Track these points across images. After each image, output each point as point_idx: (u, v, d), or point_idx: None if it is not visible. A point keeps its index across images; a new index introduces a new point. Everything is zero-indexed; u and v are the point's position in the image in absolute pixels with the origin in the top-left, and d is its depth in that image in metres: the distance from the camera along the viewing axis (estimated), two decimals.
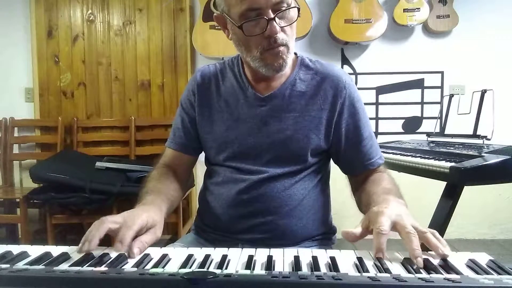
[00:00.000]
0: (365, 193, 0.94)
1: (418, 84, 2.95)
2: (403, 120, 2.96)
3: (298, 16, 0.91)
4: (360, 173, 1.02)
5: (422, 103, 2.95)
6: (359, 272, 0.60)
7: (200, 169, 1.13)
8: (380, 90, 2.96)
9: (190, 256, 0.66)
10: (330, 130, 0.99)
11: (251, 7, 0.85)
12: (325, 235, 1.04)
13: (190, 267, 0.63)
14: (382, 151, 1.88)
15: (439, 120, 2.30)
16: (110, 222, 0.72)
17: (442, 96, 2.88)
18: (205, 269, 0.60)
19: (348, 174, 1.06)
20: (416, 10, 2.75)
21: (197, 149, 1.08)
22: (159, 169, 1.06)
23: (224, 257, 0.65)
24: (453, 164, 1.40)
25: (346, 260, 0.66)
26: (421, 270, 0.59)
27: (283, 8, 0.86)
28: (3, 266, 0.55)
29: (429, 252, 0.67)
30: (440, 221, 1.59)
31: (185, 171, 1.10)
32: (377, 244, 0.67)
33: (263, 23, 0.86)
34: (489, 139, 1.78)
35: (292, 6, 0.87)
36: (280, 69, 0.92)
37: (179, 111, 1.09)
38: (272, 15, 0.85)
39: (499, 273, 0.57)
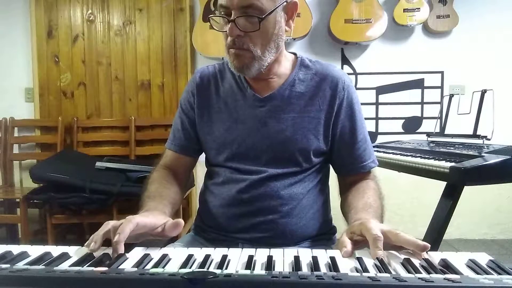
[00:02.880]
0: (347, 203, 0.96)
1: (418, 84, 2.95)
2: (403, 120, 2.96)
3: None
4: (351, 175, 1.03)
5: (422, 103, 2.95)
6: (359, 272, 0.60)
7: (200, 169, 1.13)
8: (380, 90, 2.96)
9: (190, 256, 0.66)
10: (329, 131, 0.99)
11: (221, 3, 0.88)
12: (325, 235, 1.04)
13: (190, 267, 0.63)
14: (382, 151, 1.91)
15: (439, 120, 2.30)
16: (113, 222, 0.74)
17: (442, 96, 2.88)
18: (205, 269, 0.60)
19: (339, 174, 1.07)
20: (416, 10, 2.75)
21: (196, 151, 1.08)
22: (160, 171, 1.06)
23: (224, 257, 0.65)
24: (453, 164, 1.40)
25: (346, 260, 0.66)
26: (421, 270, 0.59)
27: (248, 14, 0.86)
28: (3, 266, 0.55)
29: (429, 253, 0.67)
30: (440, 221, 1.59)
31: (185, 172, 1.10)
32: (377, 249, 0.67)
33: (225, 22, 0.89)
34: (489, 139, 1.78)
35: (259, 16, 0.86)
36: (241, 71, 0.93)
37: (179, 113, 1.09)
38: (234, 17, 0.86)
39: (499, 273, 0.57)
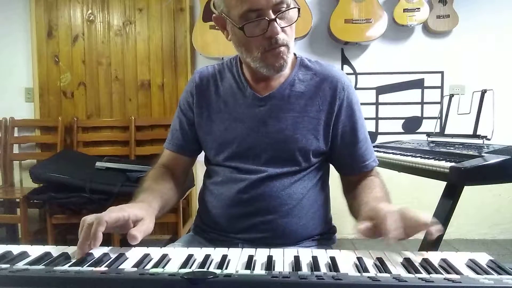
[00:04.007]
0: (356, 201, 0.96)
1: (418, 84, 2.95)
2: (403, 120, 2.96)
3: (299, 16, 0.92)
4: (353, 175, 1.03)
5: (422, 103, 2.95)
6: (359, 272, 0.60)
7: (200, 169, 1.14)
8: (380, 90, 2.96)
9: (190, 256, 0.66)
10: (329, 131, 0.99)
11: (251, 8, 0.84)
12: (325, 234, 1.04)
13: (190, 267, 0.63)
14: (382, 151, 1.91)
15: (439, 120, 2.30)
16: (89, 220, 0.72)
17: (442, 96, 2.88)
18: (205, 269, 0.60)
19: (341, 174, 1.07)
20: (416, 10, 2.75)
21: (194, 151, 1.08)
22: (156, 169, 1.06)
23: (224, 257, 0.65)
24: (453, 164, 1.40)
25: (346, 260, 0.66)
26: (421, 270, 0.59)
27: (283, 9, 0.86)
28: (3, 266, 0.55)
29: (429, 252, 0.67)
30: (440, 221, 1.56)
31: (182, 172, 1.10)
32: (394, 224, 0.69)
33: (264, 24, 0.85)
34: (489, 139, 1.78)
35: (292, 7, 0.88)
36: (281, 69, 0.92)
37: (177, 113, 1.09)
38: (273, 16, 0.85)
39: (499, 273, 0.57)
